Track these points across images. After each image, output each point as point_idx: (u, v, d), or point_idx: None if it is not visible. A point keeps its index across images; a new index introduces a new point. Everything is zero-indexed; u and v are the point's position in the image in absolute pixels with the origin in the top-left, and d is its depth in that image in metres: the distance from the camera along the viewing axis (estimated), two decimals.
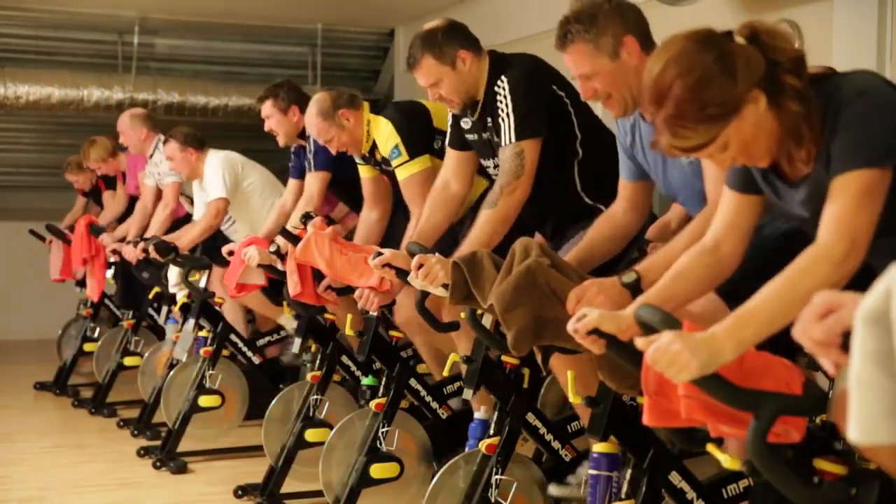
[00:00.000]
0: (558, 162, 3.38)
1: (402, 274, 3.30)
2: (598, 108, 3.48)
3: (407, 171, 4.04)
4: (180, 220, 6.12)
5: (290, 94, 4.93)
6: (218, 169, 5.45)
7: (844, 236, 1.92)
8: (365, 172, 4.43)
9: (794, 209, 2.16)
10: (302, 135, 4.92)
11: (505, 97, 3.32)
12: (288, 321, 5.22)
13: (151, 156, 6.24)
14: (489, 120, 3.44)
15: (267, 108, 5.00)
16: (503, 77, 3.35)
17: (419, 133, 4.08)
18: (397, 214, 4.39)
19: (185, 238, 5.38)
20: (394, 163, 4.07)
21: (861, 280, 1.66)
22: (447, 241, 3.66)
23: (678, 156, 2.33)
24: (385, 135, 4.12)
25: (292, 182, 5.14)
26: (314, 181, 4.74)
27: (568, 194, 3.41)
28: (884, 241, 2.08)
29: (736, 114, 1.97)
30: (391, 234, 4.37)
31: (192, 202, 5.93)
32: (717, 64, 1.96)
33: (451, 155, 3.71)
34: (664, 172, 2.89)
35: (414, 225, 3.93)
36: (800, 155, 2.06)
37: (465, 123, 3.59)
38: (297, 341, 4.34)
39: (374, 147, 4.28)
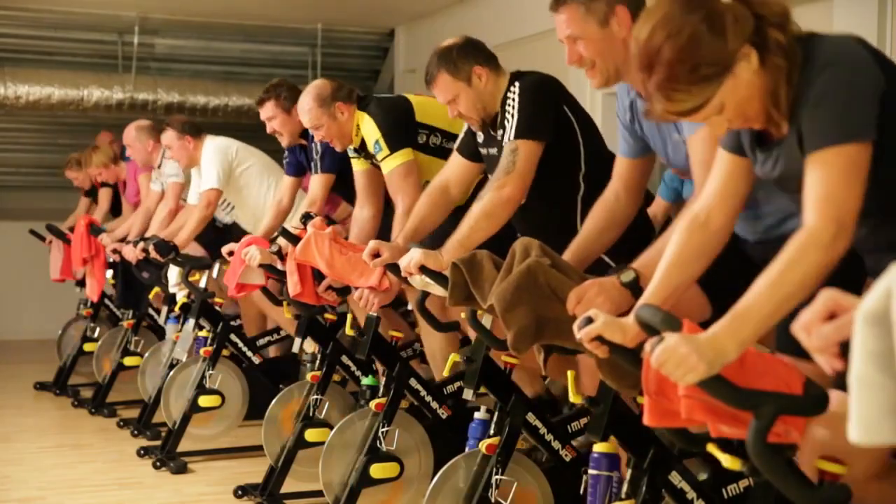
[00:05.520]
0: (561, 193, 3.34)
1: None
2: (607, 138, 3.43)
3: (389, 165, 4.08)
4: None
5: (291, 93, 4.90)
6: (213, 158, 5.45)
7: (832, 219, 1.87)
8: (358, 165, 4.44)
9: (766, 172, 2.12)
10: (304, 135, 4.92)
11: (514, 99, 3.31)
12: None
13: (159, 166, 6.23)
14: (500, 133, 3.39)
15: (269, 110, 4.96)
16: (516, 83, 3.35)
17: (399, 127, 4.12)
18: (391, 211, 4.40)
19: (182, 235, 5.38)
20: (377, 157, 4.12)
21: (844, 264, 1.63)
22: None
23: (673, 121, 2.26)
24: (367, 130, 4.18)
25: (287, 179, 5.13)
26: (319, 183, 4.74)
27: (568, 230, 3.23)
28: (868, 220, 2.05)
29: (729, 72, 1.94)
30: (385, 231, 4.37)
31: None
32: (704, 23, 1.93)
33: (457, 161, 3.68)
34: (663, 147, 2.84)
35: (401, 215, 3.94)
36: (777, 115, 2.01)
37: (479, 136, 3.58)
38: (297, 341, 4.35)
39: (363, 141, 4.30)
